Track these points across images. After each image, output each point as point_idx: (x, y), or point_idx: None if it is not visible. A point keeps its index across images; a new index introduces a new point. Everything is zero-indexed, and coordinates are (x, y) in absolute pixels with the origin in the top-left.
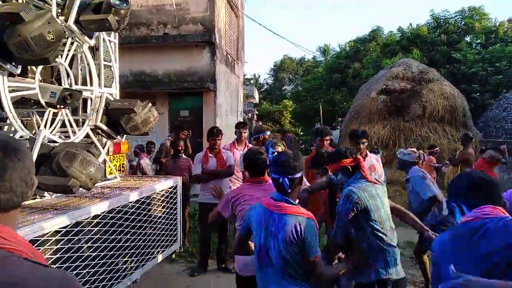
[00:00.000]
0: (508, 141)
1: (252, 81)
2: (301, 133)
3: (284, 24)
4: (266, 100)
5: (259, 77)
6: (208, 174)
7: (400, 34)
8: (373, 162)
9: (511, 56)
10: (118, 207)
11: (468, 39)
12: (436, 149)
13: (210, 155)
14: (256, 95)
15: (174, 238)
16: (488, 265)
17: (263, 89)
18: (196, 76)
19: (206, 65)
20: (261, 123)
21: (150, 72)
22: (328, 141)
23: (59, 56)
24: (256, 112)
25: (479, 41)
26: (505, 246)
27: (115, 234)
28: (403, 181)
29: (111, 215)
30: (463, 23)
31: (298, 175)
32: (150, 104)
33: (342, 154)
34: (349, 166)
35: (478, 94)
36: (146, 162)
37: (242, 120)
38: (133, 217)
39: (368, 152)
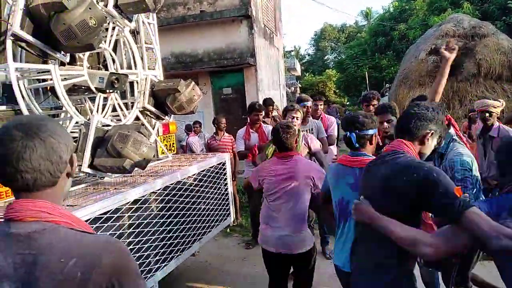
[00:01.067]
0: None
1: (293, 53)
2: (347, 103)
3: None
4: (308, 71)
5: (299, 48)
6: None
7: None
8: None
9: None
10: (172, 184)
11: None
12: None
13: (252, 130)
14: (298, 67)
15: (227, 213)
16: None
17: (304, 61)
18: (236, 52)
19: (244, 40)
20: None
21: (190, 52)
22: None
23: (103, 42)
24: (299, 84)
25: None
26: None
27: (171, 210)
28: None
29: (166, 191)
30: None
31: (369, 132)
32: (193, 83)
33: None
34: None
35: None
36: (194, 141)
37: (285, 94)
38: (186, 193)
39: None
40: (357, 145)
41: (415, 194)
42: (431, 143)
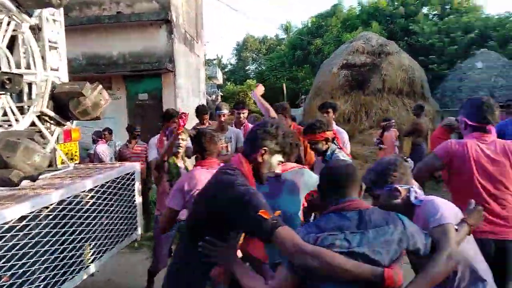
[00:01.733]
0: None
1: (215, 62)
2: None
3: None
4: (230, 80)
5: (222, 57)
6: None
7: (360, 8)
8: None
9: (465, 27)
10: (68, 197)
11: (425, 10)
12: (390, 121)
13: (165, 138)
14: (220, 75)
15: (134, 227)
16: None
17: (226, 69)
18: (154, 57)
19: (163, 44)
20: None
21: (104, 54)
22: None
23: None
24: (220, 93)
25: (435, 12)
26: None
27: (66, 227)
28: (366, 155)
29: (61, 206)
30: None
31: None
32: (100, 86)
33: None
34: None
35: (435, 65)
36: (102, 149)
37: (206, 102)
38: (86, 207)
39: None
40: None
41: (225, 212)
42: (268, 160)
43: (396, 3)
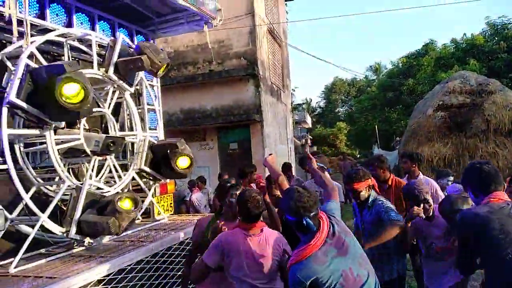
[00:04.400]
0: None
1: (304, 106)
2: (358, 155)
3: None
4: (319, 123)
5: (310, 101)
6: None
7: (454, 46)
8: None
9: None
10: (162, 250)
11: None
12: None
13: None
14: (309, 119)
15: None
16: None
17: (316, 113)
18: (242, 109)
19: (251, 97)
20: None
21: (199, 109)
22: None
23: (102, 105)
24: (310, 136)
25: None
26: None
27: (160, 279)
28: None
29: (155, 259)
30: None
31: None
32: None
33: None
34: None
35: None
36: (196, 197)
37: (293, 147)
38: (178, 259)
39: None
40: None
41: None
42: None
43: (496, 38)
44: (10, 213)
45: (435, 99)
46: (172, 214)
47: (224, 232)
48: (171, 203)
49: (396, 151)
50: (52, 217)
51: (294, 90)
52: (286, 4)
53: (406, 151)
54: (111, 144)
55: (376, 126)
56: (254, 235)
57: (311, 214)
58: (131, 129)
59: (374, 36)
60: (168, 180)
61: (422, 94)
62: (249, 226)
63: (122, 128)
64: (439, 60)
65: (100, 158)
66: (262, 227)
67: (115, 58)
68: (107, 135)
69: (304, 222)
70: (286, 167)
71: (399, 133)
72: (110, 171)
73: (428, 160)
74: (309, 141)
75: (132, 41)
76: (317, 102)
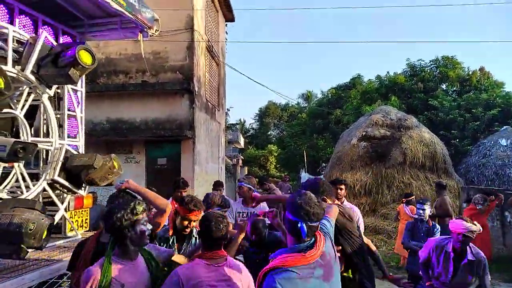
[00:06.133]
0: (491, 188)
1: (238, 126)
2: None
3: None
4: (251, 144)
5: (244, 122)
6: None
7: (378, 82)
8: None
9: (486, 104)
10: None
11: (443, 86)
12: (412, 197)
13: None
14: (241, 140)
15: None
16: None
17: (249, 134)
18: (175, 124)
19: (185, 112)
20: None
21: (127, 120)
22: None
23: (15, 107)
24: (242, 157)
25: (454, 88)
26: None
27: None
28: (389, 230)
29: (61, 280)
30: (438, 71)
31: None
32: (112, 158)
33: None
34: None
35: (457, 140)
36: None
37: (224, 167)
38: None
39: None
40: None
41: None
42: None
43: (414, 79)
44: None
45: (359, 130)
46: (88, 231)
47: (182, 266)
48: (86, 219)
49: (322, 175)
50: None
51: (229, 110)
52: (226, 24)
53: (338, 177)
54: (20, 150)
55: (304, 151)
56: (218, 264)
57: (310, 223)
58: (47, 135)
59: (308, 64)
60: (85, 194)
61: (348, 124)
62: (212, 254)
63: (36, 134)
64: (365, 94)
65: (6, 165)
66: (226, 256)
67: (34, 56)
68: (17, 139)
69: (299, 225)
70: (217, 184)
71: (325, 159)
72: (17, 181)
73: (350, 187)
74: (240, 161)
75: (57, 40)
76: (250, 124)
